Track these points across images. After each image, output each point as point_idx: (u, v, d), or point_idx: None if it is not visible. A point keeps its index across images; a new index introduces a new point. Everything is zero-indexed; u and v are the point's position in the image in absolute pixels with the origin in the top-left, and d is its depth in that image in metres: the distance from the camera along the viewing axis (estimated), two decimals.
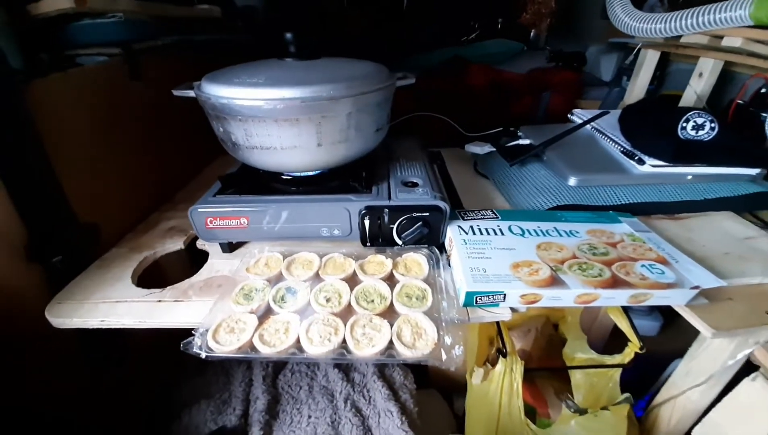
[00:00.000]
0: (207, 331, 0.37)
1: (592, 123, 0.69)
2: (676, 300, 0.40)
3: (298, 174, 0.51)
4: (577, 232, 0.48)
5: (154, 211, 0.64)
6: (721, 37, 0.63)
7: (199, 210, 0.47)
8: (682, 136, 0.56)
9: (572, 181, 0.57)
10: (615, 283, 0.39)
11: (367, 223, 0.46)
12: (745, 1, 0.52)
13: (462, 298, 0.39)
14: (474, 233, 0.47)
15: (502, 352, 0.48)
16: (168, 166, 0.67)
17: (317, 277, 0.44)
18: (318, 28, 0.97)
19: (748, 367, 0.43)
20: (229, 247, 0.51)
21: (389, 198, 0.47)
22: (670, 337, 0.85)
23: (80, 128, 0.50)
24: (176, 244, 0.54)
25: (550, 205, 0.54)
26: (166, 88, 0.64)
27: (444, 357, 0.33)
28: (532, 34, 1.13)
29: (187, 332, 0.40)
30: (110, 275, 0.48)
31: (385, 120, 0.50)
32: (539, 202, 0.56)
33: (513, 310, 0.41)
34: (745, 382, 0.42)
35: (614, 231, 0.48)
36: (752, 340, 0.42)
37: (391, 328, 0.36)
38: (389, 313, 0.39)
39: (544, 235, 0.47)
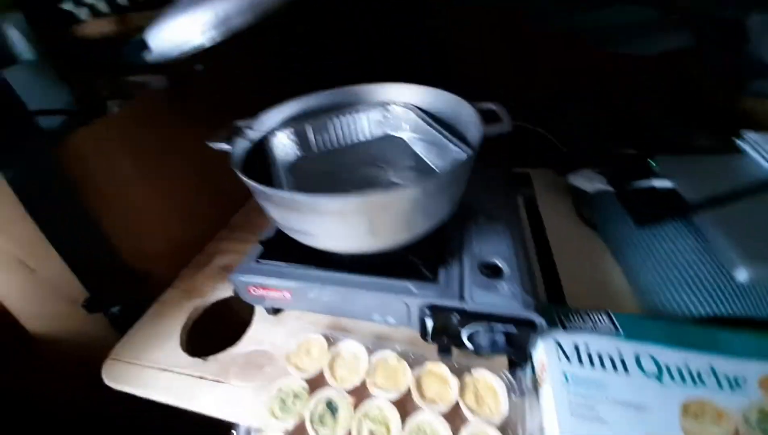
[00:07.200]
0: None
1: None
2: None
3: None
4: (745, 381, 0.31)
5: (210, 239, 0.61)
6: None
7: (241, 278, 0.41)
8: None
9: (742, 275, 0.37)
10: None
11: (429, 323, 0.36)
12: None
13: None
14: (580, 361, 0.34)
15: None
16: (218, 192, 0.62)
17: (363, 388, 0.36)
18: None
19: None
20: (274, 311, 0.46)
21: (461, 295, 0.35)
22: None
23: (125, 173, 0.47)
24: (226, 291, 0.51)
25: (702, 313, 0.37)
26: (208, 110, 0.58)
27: None
28: None
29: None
30: (162, 329, 0.47)
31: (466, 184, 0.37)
32: (683, 302, 0.38)
33: None
34: None
35: None
36: None
37: None
38: None
39: (695, 382, 0.32)
